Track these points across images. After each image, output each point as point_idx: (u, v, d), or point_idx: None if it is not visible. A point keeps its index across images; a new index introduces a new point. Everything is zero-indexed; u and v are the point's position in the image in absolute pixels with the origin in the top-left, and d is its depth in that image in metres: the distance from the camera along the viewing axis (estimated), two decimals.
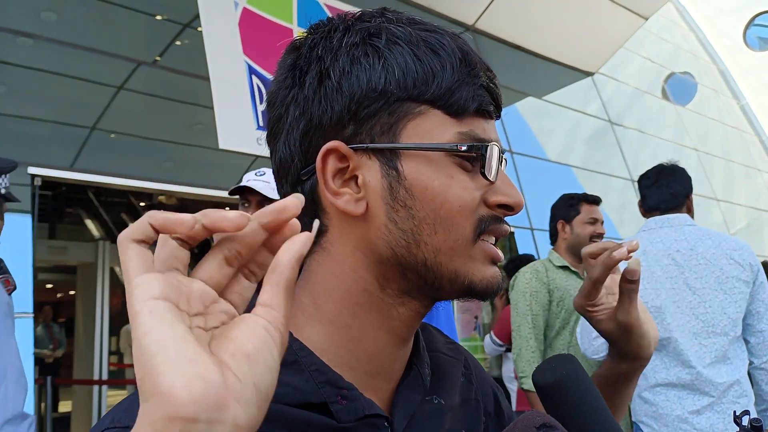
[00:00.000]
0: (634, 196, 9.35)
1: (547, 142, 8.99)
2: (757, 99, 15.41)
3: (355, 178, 0.63)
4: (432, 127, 0.62)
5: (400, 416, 0.65)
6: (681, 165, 2.67)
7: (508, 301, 4.10)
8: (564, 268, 3.12)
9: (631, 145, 10.10)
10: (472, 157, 0.63)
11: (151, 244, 0.42)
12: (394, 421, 0.64)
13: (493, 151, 0.64)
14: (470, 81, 0.63)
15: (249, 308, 0.45)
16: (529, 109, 8.91)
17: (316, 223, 0.48)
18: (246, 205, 2.24)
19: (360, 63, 0.62)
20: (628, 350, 0.84)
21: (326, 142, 0.62)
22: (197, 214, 0.42)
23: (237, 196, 2.29)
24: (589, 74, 9.44)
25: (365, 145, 0.62)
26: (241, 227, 0.42)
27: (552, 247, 3.26)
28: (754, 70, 15.20)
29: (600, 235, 3.12)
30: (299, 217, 0.67)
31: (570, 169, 8.90)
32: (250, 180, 2.19)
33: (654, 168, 2.71)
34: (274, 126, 0.68)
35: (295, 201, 0.45)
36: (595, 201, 3.20)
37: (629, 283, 0.79)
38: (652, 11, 8.53)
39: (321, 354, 0.63)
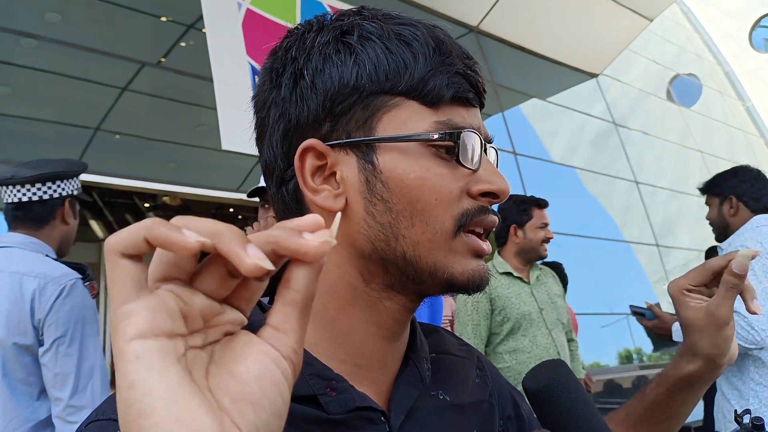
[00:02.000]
0: (638, 198, 9.36)
1: (551, 143, 8.98)
2: (762, 101, 15.36)
3: (334, 174, 0.63)
4: (408, 118, 0.62)
5: (396, 411, 0.64)
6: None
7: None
8: (507, 274, 3.11)
9: (636, 146, 10.08)
10: (450, 147, 0.62)
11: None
12: (390, 415, 0.64)
13: (470, 138, 0.62)
14: (444, 69, 0.62)
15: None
16: (533, 111, 8.90)
17: (338, 216, 0.41)
18: (266, 206, 2.26)
19: (332, 60, 0.62)
20: (703, 346, 0.80)
21: (304, 141, 0.63)
22: (212, 233, 0.34)
23: (256, 198, 2.31)
24: (593, 76, 9.43)
25: (339, 141, 0.62)
26: (263, 273, 0.34)
27: (498, 250, 3.25)
28: (759, 71, 15.16)
29: (549, 240, 3.14)
30: (285, 214, 0.66)
31: (574, 170, 8.89)
32: None
33: (751, 168, 2.82)
34: (258, 129, 0.69)
35: (322, 245, 0.36)
36: (545, 205, 3.21)
37: (735, 277, 0.75)
38: (657, 12, 8.52)
39: (310, 347, 0.62)
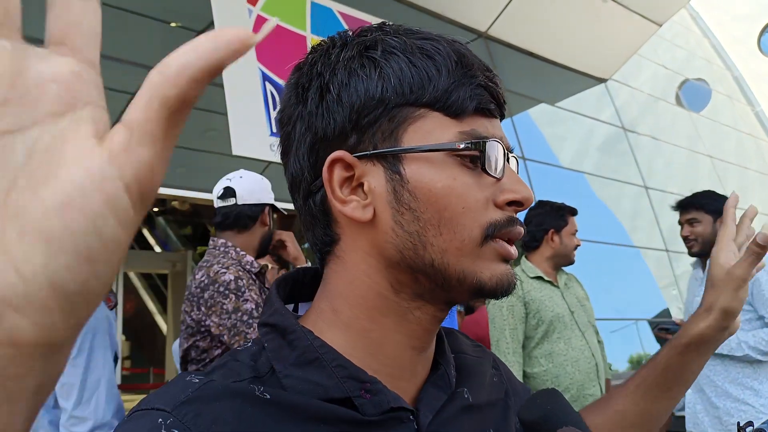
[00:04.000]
0: (647, 204, 9.32)
1: (560, 148, 8.96)
2: None
3: (361, 185, 0.65)
4: (432, 129, 0.63)
5: (425, 410, 0.66)
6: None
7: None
8: (538, 278, 3.12)
9: (645, 152, 10.05)
10: (474, 156, 0.63)
11: None
12: (419, 414, 0.65)
13: (494, 147, 0.64)
14: (467, 81, 0.64)
15: None
16: (542, 116, 8.89)
17: (273, 20, 0.30)
18: None
19: (357, 74, 0.64)
20: (720, 301, 0.85)
21: (331, 153, 0.64)
22: None
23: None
24: (602, 81, 9.41)
25: (367, 152, 0.64)
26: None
27: (525, 255, 3.27)
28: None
29: (577, 247, 3.18)
30: (312, 226, 0.69)
31: (583, 175, 8.86)
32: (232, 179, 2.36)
33: None
34: (284, 143, 0.70)
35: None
36: (576, 213, 3.25)
37: (759, 247, 0.83)
38: (666, 17, 8.50)
39: (345, 354, 0.64)
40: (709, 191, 3.09)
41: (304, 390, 0.60)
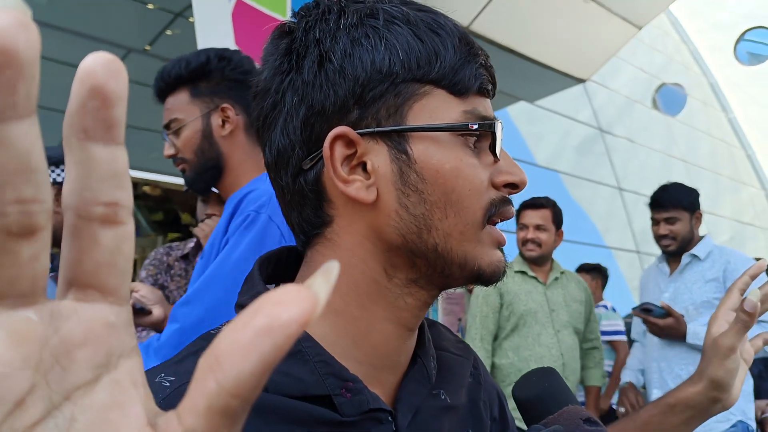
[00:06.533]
0: (620, 205, 9.41)
1: (537, 147, 9.00)
2: (745, 113, 15.53)
3: (362, 164, 0.60)
4: (438, 107, 0.60)
5: (404, 410, 0.63)
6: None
7: None
8: (522, 273, 3.16)
9: (620, 153, 10.14)
10: (477, 136, 0.62)
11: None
12: (398, 415, 0.62)
13: (499, 128, 0.63)
14: (471, 59, 0.62)
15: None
16: (520, 114, 8.92)
17: (335, 265, 0.23)
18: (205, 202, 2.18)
19: (361, 44, 0.59)
20: (710, 371, 0.82)
21: (330, 128, 0.59)
22: None
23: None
24: (581, 81, 9.47)
25: (373, 129, 0.59)
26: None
27: None
28: (743, 84, 15.31)
29: (529, 240, 3.14)
30: (300, 206, 0.64)
31: (558, 175, 8.91)
32: None
33: None
34: (267, 115, 0.64)
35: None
36: (525, 206, 3.21)
37: (744, 314, 0.79)
38: (646, 21, 8.56)
39: (328, 346, 0.60)
40: (680, 185, 2.98)
41: (282, 383, 0.56)
